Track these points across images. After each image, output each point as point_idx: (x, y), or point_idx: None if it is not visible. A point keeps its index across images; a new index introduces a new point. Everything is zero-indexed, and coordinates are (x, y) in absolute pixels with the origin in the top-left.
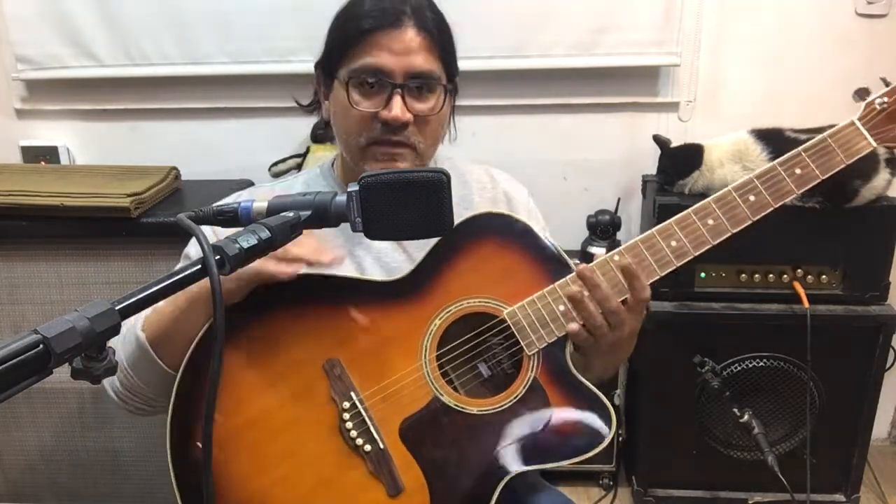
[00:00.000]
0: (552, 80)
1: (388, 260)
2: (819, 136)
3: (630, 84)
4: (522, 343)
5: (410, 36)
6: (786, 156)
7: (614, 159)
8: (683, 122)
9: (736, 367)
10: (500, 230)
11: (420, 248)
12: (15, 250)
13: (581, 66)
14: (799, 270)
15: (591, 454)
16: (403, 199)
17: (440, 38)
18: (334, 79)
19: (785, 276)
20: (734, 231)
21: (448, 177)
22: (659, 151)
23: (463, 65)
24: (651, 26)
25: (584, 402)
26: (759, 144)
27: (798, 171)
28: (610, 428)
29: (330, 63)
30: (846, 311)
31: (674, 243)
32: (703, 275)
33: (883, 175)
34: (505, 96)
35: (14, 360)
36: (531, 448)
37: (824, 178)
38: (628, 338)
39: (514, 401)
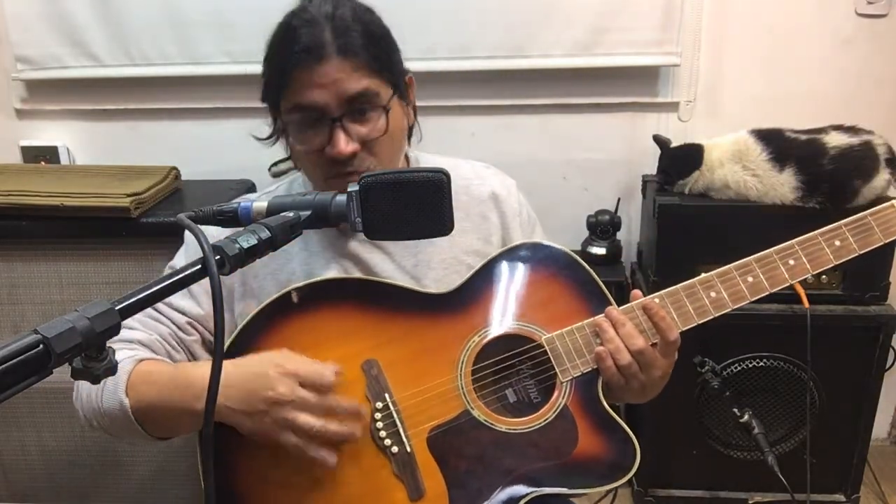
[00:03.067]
0: (552, 80)
1: (378, 270)
2: (861, 214)
3: (630, 84)
4: (557, 369)
5: (335, 64)
6: (827, 227)
7: (614, 159)
8: (683, 122)
9: (736, 367)
10: (546, 259)
11: (407, 256)
12: (15, 250)
13: (581, 66)
14: None
15: (611, 486)
16: (403, 199)
17: (371, 52)
18: (279, 114)
19: None
20: (772, 290)
21: (448, 177)
22: (659, 151)
23: (463, 65)
24: (651, 26)
25: (611, 434)
26: (759, 144)
27: (837, 243)
28: (634, 464)
29: (270, 100)
30: (846, 311)
31: (713, 294)
32: (703, 275)
33: (883, 175)
34: (505, 96)
35: (14, 360)
36: (553, 472)
37: (861, 252)
38: (659, 381)
39: (543, 424)
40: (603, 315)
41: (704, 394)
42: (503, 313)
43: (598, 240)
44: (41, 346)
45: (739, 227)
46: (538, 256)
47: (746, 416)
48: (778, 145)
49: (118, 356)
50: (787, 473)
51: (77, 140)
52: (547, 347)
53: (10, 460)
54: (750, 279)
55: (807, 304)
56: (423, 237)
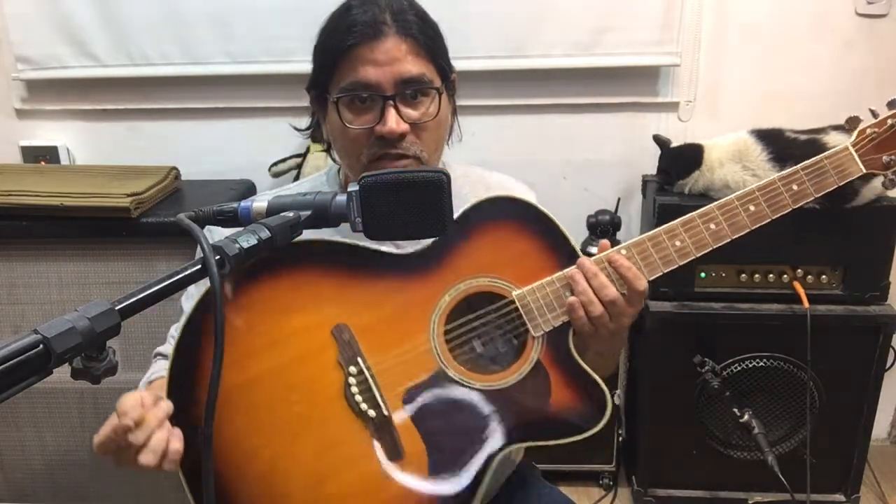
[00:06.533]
0: (552, 80)
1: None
2: (817, 157)
3: (630, 84)
4: (529, 325)
5: (393, 44)
6: (785, 171)
7: (614, 159)
8: (683, 122)
9: (736, 367)
10: (516, 214)
11: (415, 245)
12: (15, 250)
13: (581, 66)
14: (799, 270)
15: (584, 436)
16: (403, 199)
17: (426, 40)
18: (327, 100)
19: (785, 276)
20: (733, 237)
21: (448, 177)
22: (659, 151)
23: (463, 65)
24: (651, 26)
25: (583, 386)
26: (759, 144)
27: (795, 187)
28: (605, 413)
29: (319, 85)
30: (846, 311)
31: (678, 243)
32: (703, 275)
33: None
34: (505, 96)
35: (14, 360)
36: (528, 425)
37: (817, 196)
38: (625, 328)
39: (517, 379)
40: (575, 267)
41: (704, 394)
42: (473, 270)
43: (598, 240)
44: (41, 346)
45: None
46: (505, 211)
47: (746, 416)
48: (778, 145)
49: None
50: (787, 473)
51: (77, 140)
52: (518, 304)
53: (10, 460)
54: (713, 226)
55: (807, 304)
56: (423, 237)
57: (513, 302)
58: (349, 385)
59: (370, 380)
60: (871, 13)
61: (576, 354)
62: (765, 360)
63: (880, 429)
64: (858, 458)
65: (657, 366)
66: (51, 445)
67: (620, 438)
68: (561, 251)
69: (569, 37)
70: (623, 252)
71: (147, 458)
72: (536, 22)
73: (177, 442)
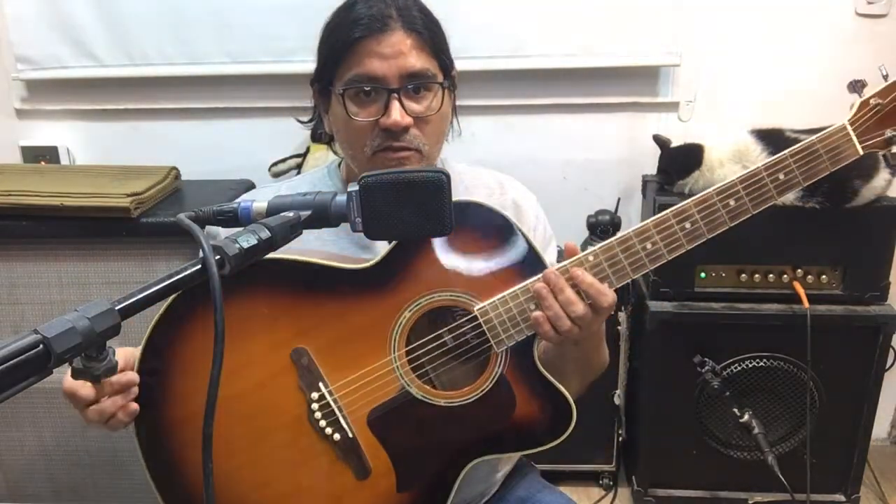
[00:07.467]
0: (552, 80)
1: None
2: (808, 140)
3: (630, 84)
4: (492, 341)
5: (399, 38)
6: (773, 159)
7: (614, 159)
8: (683, 122)
9: (736, 367)
10: (478, 221)
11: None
12: (15, 250)
13: (581, 66)
14: (799, 270)
15: (548, 447)
16: (403, 199)
17: (430, 35)
18: (331, 93)
19: (785, 276)
20: (710, 237)
21: (448, 177)
22: (659, 151)
23: (463, 65)
24: (651, 26)
25: (547, 398)
26: (760, 144)
27: (781, 176)
28: (570, 425)
29: (324, 77)
30: (846, 311)
31: (649, 246)
32: (703, 275)
33: (883, 175)
34: (505, 96)
35: (14, 360)
36: (493, 438)
37: (805, 185)
38: (597, 334)
39: (481, 395)
40: (540, 279)
41: (704, 394)
42: (434, 284)
43: (598, 240)
44: (41, 346)
45: (739, 227)
46: (468, 218)
47: (746, 416)
48: (778, 145)
49: None
50: (787, 473)
51: (77, 140)
52: (481, 319)
53: (10, 460)
54: (688, 226)
55: (807, 304)
56: (423, 237)
57: (476, 318)
58: (312, 411)
59: (333, 404)
60: (871, 13)
61: (540, 366)
62: (765, 360)
63: (880, 429)
64: (858, 458)
65: (657, 366)
66: (51, 445)
67: (620, 438)
68: (525, 259)
69: (569, 37)
70: (591, 259)
71: (92, 415)
72: (536, 22)
73: (125, 416)
